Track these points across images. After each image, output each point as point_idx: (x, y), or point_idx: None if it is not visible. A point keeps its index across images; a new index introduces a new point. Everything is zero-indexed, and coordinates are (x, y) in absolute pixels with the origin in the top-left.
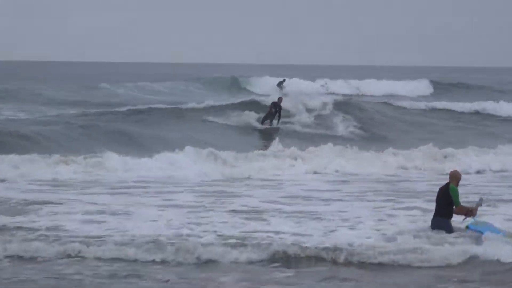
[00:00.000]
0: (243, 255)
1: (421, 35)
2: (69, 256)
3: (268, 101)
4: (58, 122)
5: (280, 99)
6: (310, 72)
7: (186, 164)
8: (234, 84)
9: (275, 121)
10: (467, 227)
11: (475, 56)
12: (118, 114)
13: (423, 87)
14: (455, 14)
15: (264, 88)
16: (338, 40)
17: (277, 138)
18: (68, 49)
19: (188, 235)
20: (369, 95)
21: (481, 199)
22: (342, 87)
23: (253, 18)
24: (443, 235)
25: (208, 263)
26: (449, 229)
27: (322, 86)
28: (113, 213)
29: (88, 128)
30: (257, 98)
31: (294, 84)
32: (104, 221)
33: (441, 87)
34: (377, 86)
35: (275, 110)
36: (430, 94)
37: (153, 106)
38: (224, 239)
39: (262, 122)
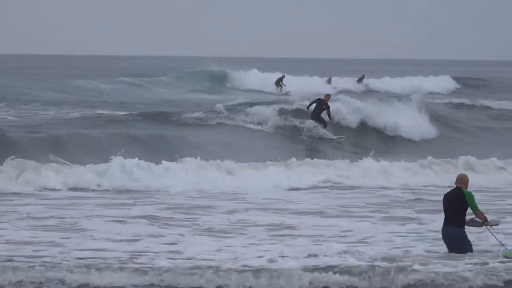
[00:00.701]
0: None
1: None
2: None
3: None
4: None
5: (327, 96)
6: (301, 66)
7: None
8: (219, 79)
9: (326, 120)
10: (506, 256)
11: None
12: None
13: (445, 83)
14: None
15: (252, 83)
16: (325, 33)
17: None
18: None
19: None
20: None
21: (497, 224)
22: (348, 83)
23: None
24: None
25: None
26: (470, 246)
27: (333, 87)
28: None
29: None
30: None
31: (291, 81)
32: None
33: (463, 83)
34: (390, 83)
35: (322, 108)
36: (456, 90)
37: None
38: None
39: (313, 119)
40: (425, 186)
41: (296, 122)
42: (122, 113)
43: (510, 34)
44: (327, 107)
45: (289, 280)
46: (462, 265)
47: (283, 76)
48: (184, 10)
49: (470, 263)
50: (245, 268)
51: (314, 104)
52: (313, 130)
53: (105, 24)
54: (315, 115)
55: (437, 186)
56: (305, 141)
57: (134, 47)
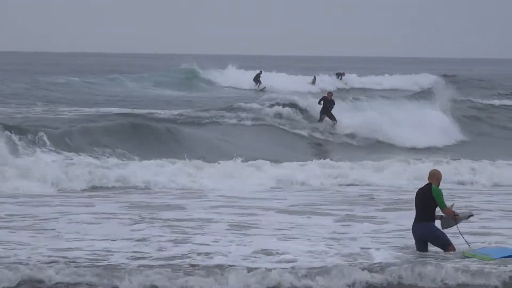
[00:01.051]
0: None
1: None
2: None
3: None
4: None
5: (330, 94)
6: (301, 65)
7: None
8: (197, 75)
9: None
10: (466, 256)
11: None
12: None
13: (429, 81)
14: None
15: (230, 79)
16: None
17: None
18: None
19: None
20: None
21: (471, 214)
22: (330, 82)
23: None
24: None
25: None
26: (444, 235)
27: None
28: None
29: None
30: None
31: (274, 78)
32: None
33: (450, 81)
34: (369, 81)
35: (327, 105)
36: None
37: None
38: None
39: (321, 119)
40: (398, 184)
41: (291, 120)
42: (88, 110)
43: (508, 34)
44: (332, 104)
45: (255, 279)
46: (432, 262)
47: (261, 72)
48: (185, 10)
49: (440, 261)
50: (210, 267)
51: (322, 102)
52: (319, 128)
53: (105, 23)
54: (323, 113)
55: (416, 185)
56: (294, 139)
57: (134, 46)
